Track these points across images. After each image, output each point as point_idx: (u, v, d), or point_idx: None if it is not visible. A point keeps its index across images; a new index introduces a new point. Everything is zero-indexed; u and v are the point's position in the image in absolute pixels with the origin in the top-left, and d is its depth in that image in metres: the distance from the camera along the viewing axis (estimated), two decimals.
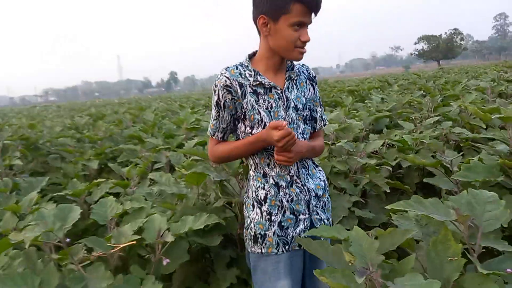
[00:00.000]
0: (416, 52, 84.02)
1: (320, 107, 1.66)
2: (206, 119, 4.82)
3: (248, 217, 1.53)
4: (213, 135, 1.54)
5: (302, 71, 1.60)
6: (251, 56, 1.52)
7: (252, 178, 1.53)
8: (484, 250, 1.20)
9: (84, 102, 46.79)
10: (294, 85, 1.54)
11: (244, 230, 1.56)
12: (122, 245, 1.53)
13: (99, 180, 2.59)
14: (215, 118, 1.51)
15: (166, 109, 9.91)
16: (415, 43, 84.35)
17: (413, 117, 4.36)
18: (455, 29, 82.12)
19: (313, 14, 1.40)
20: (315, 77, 1.63)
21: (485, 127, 3.89)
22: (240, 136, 1.52)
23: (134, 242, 1.53)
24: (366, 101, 5.79)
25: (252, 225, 1.50)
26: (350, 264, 1.16)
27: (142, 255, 1.84)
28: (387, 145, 3.42)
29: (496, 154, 1.97)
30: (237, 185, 1.98)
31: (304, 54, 1.44)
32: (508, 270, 1.17)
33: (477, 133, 3.67)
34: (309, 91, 1.59)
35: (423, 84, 7.46)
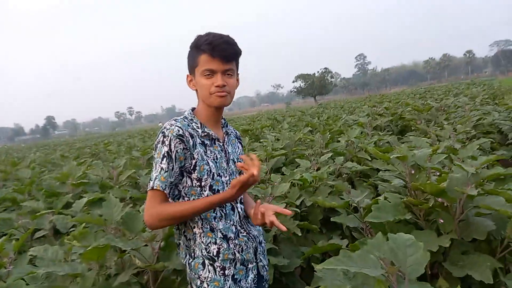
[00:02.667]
0: (295, 89, 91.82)
1: None
2: (95, 172, 4.35)
3: (198, 278, 1.48)
4: (164, 189, 1.41)
5: (232, 131, 1.72)
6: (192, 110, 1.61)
7: (199, 236, 1.49)
8: None
9: None
10: (229, 141, 1.65)
11: None
12: None
13: None
14: (165, 170, 1.41)
15: (45, 161, 8.83)
16: (293, 81, 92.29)
17: (307, 154, 4.58)
18: (326, 68, 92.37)
19: (223, 61, 1.46)
20: (240, 137, 1.79)
21: (370, 159, 4.28)
22: (183, 192, 1.49)
23: None
24: (261, 140, 5.95)
25: (205, 285, 1.46)
26: None
27: None
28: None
29: (395, 191, 2.10)
30: (150, 251, 1.75)
31: (224, 97, 1.51)
32: None
33: (364, 165, 4.01)
34: (238, 148, 1.71)
35: (309, 121, 8.02)
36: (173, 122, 1.48)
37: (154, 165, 1.45)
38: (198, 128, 1.52)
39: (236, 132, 1.76)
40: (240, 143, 1.75)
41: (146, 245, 1.81)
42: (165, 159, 1.41)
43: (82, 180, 4.08)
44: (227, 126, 1.67)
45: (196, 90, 1.55)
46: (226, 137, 1.63)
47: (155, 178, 1.42)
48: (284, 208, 1.57)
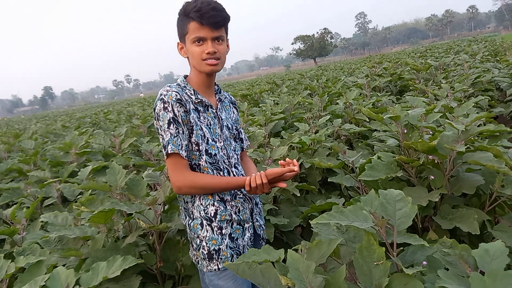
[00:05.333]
0: (294, 52, 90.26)
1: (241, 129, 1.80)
2: (97, 141, 4.42)
3: (198, 237, 1.55)
4: (180, 151, 1.45)
5: (225, 96, 1.74)
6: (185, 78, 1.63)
7: (198, 198, 1.54)
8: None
9: None
10: (223, 107, 1.68)
11: (194, 252, 1.57)
12: None
13: None
14: (175, 135, 1.45)
15: (47, 132, 8.90)
16: (292, 43, 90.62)
17: (306, 117, 4.62)
18: (325, 28, 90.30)
19: (212, 28, 1.48)
20: (235, 102, 1.80)
21: (368, 120, 4.32)
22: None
23: None
24: (260, 105, 5.97)
25: (204, 243, 1.53)
26: (283, 284, 1.15)
27: None
28: (288, 147, 3.56)
29: (389, 150, 2.17)
30: (153, 214, 1.84)
31: (215, 65, 1.52)
32: (424, 262, 1.28)
33: (362, 127, 4.06)
34: (233, 113, 1.74)
35: (309, 84, 7.99)
36: (168, 88, 1.49)
37: (161, 133, 1.47)
38: (192, 95, 1.54)
39: (230, 98, 1.78)
40: (236, 108, 1.78)
41: (150, 209, 1.90)
42: (171, 124, 1.45)
43: (85, 149, 4.16)
44: (220, 93, 1.69)
45: (188, 57, 1.56)
46: (219, 104, 1.65)
47: (168, 144, 1.45)
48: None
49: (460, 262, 1.25)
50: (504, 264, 1.18)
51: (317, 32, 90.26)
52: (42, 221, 2.47)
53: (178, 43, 1.57)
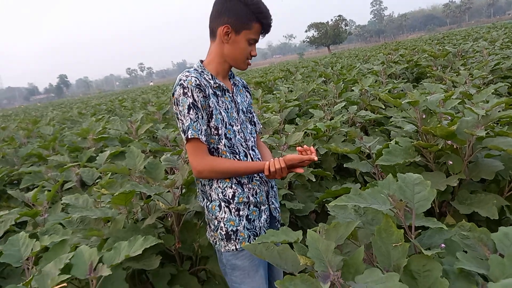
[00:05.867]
0: (308, 39, 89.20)
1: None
2: (114, 127, 4.48)
3: (216, 218, 1.58)
4: (200, 135, 1.47)
5: (238, 81, 1.76)
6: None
7: (217, 181, 1.56)
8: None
9: None
10: (237, 91, 1.70)
11: (212, 233, 1.61)
12: None
13: None
14: (194, 120, 1.47)
15: (64, 118, 9.05)
16: (306, 31, 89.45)
17: (321, 104, 4.60)
18: (340, 15, 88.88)
19: (263, 37, 1.59)
20: (247, 86, 1.82)
21: (384, 107, 4.28)
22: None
23: (65, 284, 1.34)
24: (274, 92, 5.95)
25: (222, 224, 1.56)
26: (301, 264, 1.17)
27: None
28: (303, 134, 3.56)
29: (406, 135, 2.15)
30: (171, 196, 1.88)
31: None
32: (442, 245, 1.28)
33: (378, 114, 4.02)
34: (247, 97, 1.76)
35: (323, 71, 7.92)
36: (187, 73, 1.50)
37: (181, 118, 1.47)
38: (210, 79, 1.55)
39: (243, 82, 1.79)
40: (248, 91, 1.79)
41: (168, 191, 1.93)
42: (191, 109, 1.45)
43: (102, 135, 4.23)
44: (234, 77, 1.70)
45: (225, 44, 1.54)
46: (234, 88, 1.67)
47: (188, 129, 1.46)
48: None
49: (479, 245, 1.25)
50: None
51: (331, 20, 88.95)
52: (63, 204, 2.54)
53: (226, 26, 1.51)
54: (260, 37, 1.58)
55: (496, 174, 1.87)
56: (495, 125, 2.22)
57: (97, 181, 3.04)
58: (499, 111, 2.15)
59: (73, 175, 3.17)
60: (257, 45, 1.62)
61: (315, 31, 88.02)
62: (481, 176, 1.84)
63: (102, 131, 4.60)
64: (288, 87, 6.44)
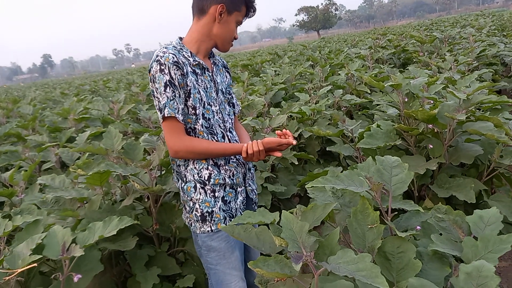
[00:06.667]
0: (298, 23, 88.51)
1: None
2: (96, 107, 4.39)
3: (191, 199, 1.55)
4: (176, 114, 1.43)
5: (218, 60, 1.72)
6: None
7: (193, 162, 1.54)
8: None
9: None
10: (217, 71, 1.66)
11: (188, 215, 1.59)
12: (19, 270, 1.30)
13: None
14: (171, 98, 1.43)
15: (46, 99, 8.84)
16: (296, 15, 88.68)
17: (307, 88, 4.56)
18: (330, 0, 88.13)
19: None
20: (227, 66, 1.78)
21: (369, 92, 4.27)
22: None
23: (35, 265, 1.31)
24: (261, 75, 5.89)
25: (197, 205, 1.54)
26: (277, 246, 1.16)
27: (45, 272, 1.62)
28: (288, 117, 3.53)
29: (388, 119, 2.14)
30: (148, 177, 1.84)
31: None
32: (418, 227, 1.28)
33: (364, 98, 4.02)
34: (226, 77, 1.72)
35: (311, 55, 7.86)
36: (165, 49, 1.45)
37: (157, 96, 1.43)
38: (189, 57, 1.50)
39: (223, 61, 1.75)
40: (228, 72, 1.75)
41: (146, 173, 1.89)
42: (168, 87, 1.41)
43: (84, 115, 4.13)
44: (213, 57, 1.67)
45: (215, 23, 1.52)
46: (214, 67, 1.63)
47: (164, 107, 1.42)
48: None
49: (454, 228, 1.26)
50: (497, 231, 1.18)
51: (322, 4, 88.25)
52: (40, 184, 2.49)
53: (222, 5, 1.50)
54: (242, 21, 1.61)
55: (476, 158, 1.89)
56: (477, 110, 2.23)
57: (77, 161, 2.98)
58: (481, 96, 2.16)
59: (52, 155, 3.11)
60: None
61: (305, 15, 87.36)
62: (460, 161, 1.84)
63: (83, 112, 4.50)
64: (275, 71, 6.38)
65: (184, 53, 1.50)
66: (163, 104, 1.42)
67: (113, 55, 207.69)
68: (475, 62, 4.68)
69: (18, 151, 3.00)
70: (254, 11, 1.60)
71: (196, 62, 1.52)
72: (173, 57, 1.43)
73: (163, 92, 1.42)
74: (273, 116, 3.18)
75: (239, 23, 1.58)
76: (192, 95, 1.48)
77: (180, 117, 1.45)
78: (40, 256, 1.37)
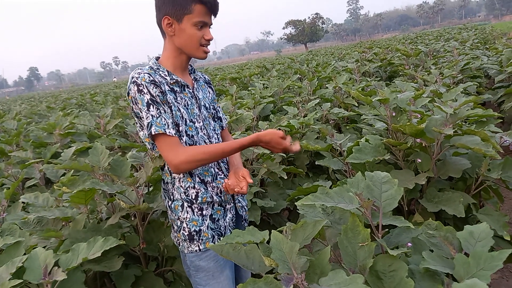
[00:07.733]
0: (285, 36, 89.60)
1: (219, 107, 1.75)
2: (82, 122, 4.32)
3: (178, 218, 1.53)
4: (166, 129, 1.39)
5: (200, 76, 1.69)
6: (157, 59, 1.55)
7: (179, 180, 1.51)
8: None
9: None
10: (199, 87, 1.64)
11: (176, 234, 1.56)
12: None
13: None
14: (157, 116, 1.39)
15: (31, 113, 8.71)
16: (284, 28, 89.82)
17: (295, 101, 4.58)
18: (317, 13, 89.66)
19: (212, 16, 1.49)
20: (210, 81, 1.76)
21: (357, 105, 4.30)
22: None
23: None
24: (249, 88, 5.90)
25: (184, 224, 1.51)
26: (267, 266, 1.13)
27: None
28: None
29: (377, 133, 2.15)
30: (135, 194, 1.80)
31: (208, 52, 1.54)
32: (409, 244, 1.27)
33: (351, 111, 4.04)
34: (209, 93, 1.70)
35: (298, 68, 7.92)
36: (139, 71, 1.43)
37: (141, 116, 1.41)
38: (166, 76, 1.48)
39: (205, 77, 1.73)
40: (211, 87, 1.73)
41: (133, 190, 1.85)
42: (151, 106, 1.39)
43: (70, 130, 4.07)
44: (194, 72, 1.64)
45: (173, 35, 1.47)
46: (195, 83, 1.61)
47: (151, 126, 1.39)
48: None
49: (445, 244, 1.25)
50: (488, 246, 1.17)
51: (309, 17, 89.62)
52: (23, 203, 2.42)
53: (166, 17, 1.45)
54: (212, 17, 1.49)
55: (463, 172, 1.89)
56: (464, 123, 2.25)
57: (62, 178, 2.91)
58: (467, 110, 2.18)
59: (36, 171, 3.03)
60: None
61: (292, 28, 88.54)
62: (449, 174, 1.85)
63: (70, 126, 4.43)
64: (263, 84, 6.40)
65: (160, 72, 1.48)
66: (149, 123, 1.40)
67: (101, 67, 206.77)
68: (460, 75, 4.77)
69: (1, 168, 2.93)
70: (213, 4, 1.46)
71: (174, 80, 1.49)
72: (149, 77, 1.41)
73: (147, 111, 1.40)
74: (262, 130, 3.17)
75: (199, 23, 1.45)
76: (173, 112, 1.45)
77: (172, 131, 1.41)
78: (21, 280, 1.32)
